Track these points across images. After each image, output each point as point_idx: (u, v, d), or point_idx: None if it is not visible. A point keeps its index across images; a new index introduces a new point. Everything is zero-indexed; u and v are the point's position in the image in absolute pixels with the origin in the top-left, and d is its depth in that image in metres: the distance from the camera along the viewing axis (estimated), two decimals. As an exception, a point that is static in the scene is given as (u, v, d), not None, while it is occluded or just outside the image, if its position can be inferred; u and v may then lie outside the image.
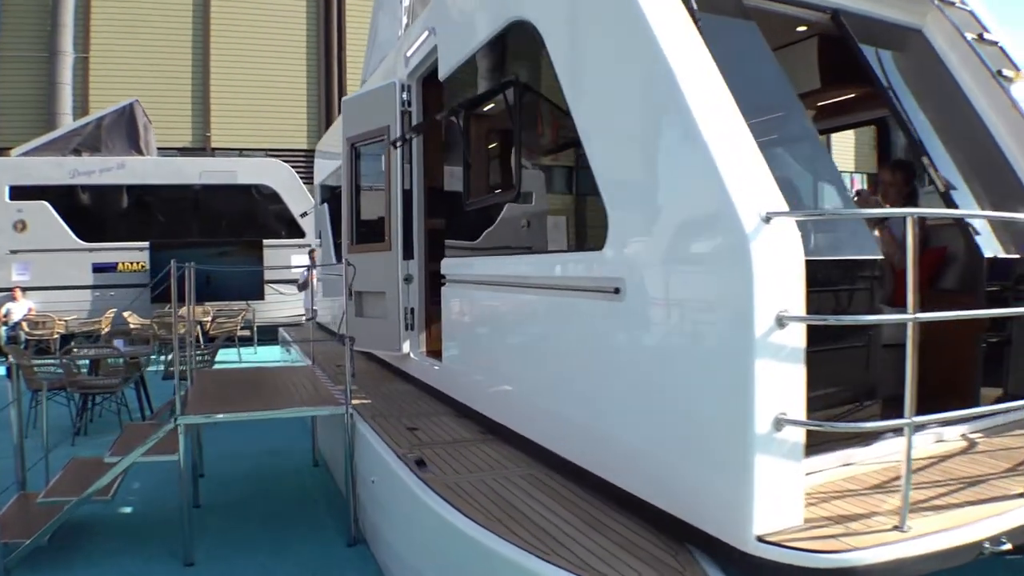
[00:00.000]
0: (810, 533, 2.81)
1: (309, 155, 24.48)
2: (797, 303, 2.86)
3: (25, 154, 16.05)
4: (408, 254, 6.82)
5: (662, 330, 3.27)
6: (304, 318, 13.21)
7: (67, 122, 19.74)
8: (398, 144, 6.22)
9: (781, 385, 2.82)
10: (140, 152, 16.28)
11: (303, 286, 14.13)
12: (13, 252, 15.32)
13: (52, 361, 8.72)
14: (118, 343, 9.30)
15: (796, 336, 2.85)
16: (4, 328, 14.43)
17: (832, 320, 3.18)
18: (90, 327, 14.56)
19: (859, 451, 3.48)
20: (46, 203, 15.60)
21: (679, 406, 3.12)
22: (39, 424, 7.86)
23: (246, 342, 15.20)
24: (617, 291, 3.48)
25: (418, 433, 5.05)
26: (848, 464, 3.44)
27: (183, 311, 6.65)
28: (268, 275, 16.12)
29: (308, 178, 17.00)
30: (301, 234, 16.66)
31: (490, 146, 5.34)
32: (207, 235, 16.37)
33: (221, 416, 5.21)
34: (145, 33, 22.62)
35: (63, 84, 20.98)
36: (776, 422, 2.79)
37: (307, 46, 25.73)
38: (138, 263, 15.79)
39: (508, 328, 4.71)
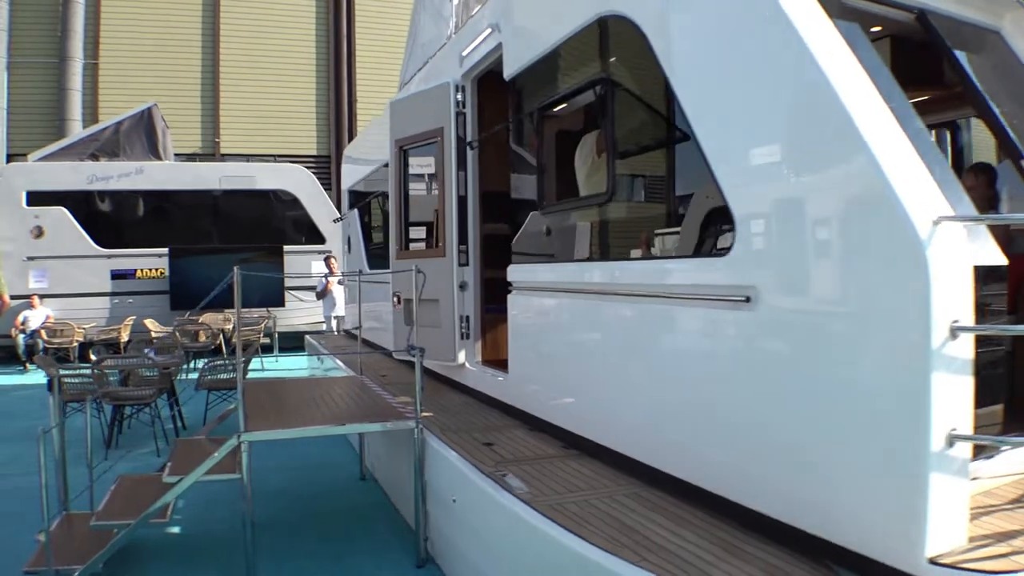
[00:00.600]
0: (977, 554, 2.63)
1: (320, 161, 24.39)
2: (967, 312, 2.65)
3: (42, 159, 15.79)
4: (463, 260, 6.58)
5: (810, 343, 3.02)
6: (334, 327, 12.96)
7: (77, 128, 19.53)
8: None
9: (953, 399, 2.63)
10: (158, 157, 16.04)
11: (321, 294, 13.89)
12: (30, 259, 15.04)
13: (85, 370, 8.44)
14: (149, 352, 9.03)
15: (966, 347, 2.65)
16: (22, 336, 14.15)
17: (1012, 331, 2.98)
18: (108, 335, 14.28)
19: (984, 464, 3.25)
20: (64, 209, 15.31)
21: (831, 424, 2.88)
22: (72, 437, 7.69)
23: (266, 351, 14.93)
24: (748, 299, 3.26)
25: (496, 449, 4.80)
26: (975, 478, 3.20)
27: (234, 319, 6.34)
28: (288, 282, 15.86)
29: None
30: (322, 240, 16.41)
31: (576, 146, 5.09)
32: (227, 241, 16.09)
33: (288, 432, 4.96)
34: (154, 39, 22.46)
35: (73, 90, 20.77)
36: (948, 438, 2.59)
37: (316, 52, 25.62)
38: (157, 270, 15.51)
39: (602, 339, 4.43)
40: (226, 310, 14.93)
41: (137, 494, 5.14)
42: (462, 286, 6.58)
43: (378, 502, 6.42)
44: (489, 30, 5.88)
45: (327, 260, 13.73)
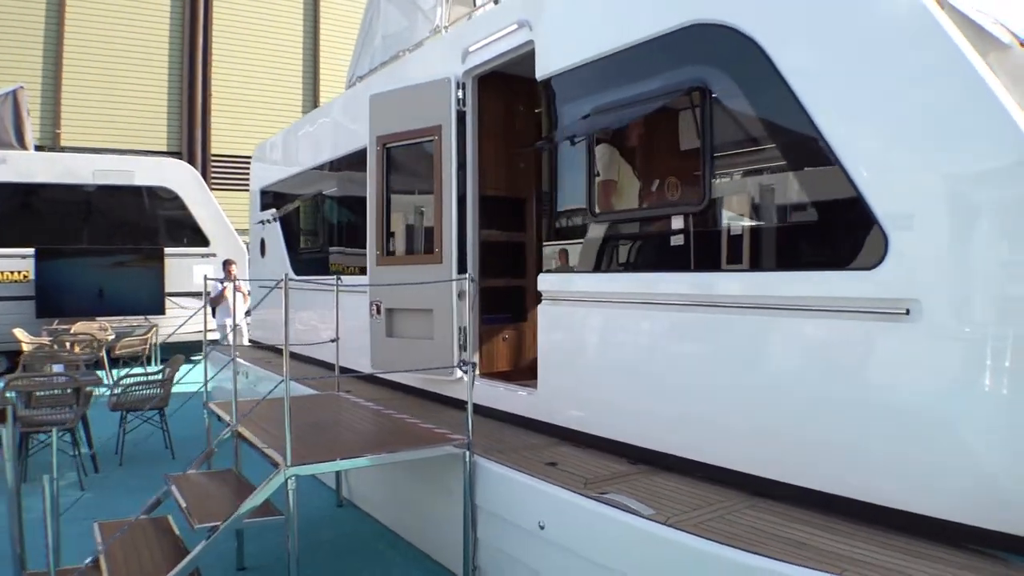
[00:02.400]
0: None
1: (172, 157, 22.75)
2: None
3: None
4: (462, 268, 6.21)
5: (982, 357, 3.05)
6: (228, 337, 11.87)
7: None
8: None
9: None
10: (24, 146, 14.10)
11: (216, 300, 12.78)
12: None
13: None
14: (58, 369, 7.87)
15: None
16: None
17: None
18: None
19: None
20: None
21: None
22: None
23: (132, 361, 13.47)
24: (908, 312, 3.22)
25: (562, 468, 4.51)
26: None
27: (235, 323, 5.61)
28: (168, 287, 14.45)
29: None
30: (205, 242, 15.10)
31: (649, 152, 4.90)
32: (100, 242, 14.41)
33: (339, 464, 4.41)
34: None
35: None
36: None
37: (170, 43, 24.07)
38: (20, 272, 13.57)
39: (704, 352, 4.24)
40: (99, 318, 13.40)
41: (138, 545, 4.37)
42: (461, 295, 6.21)
43: (375, 531, 5.89)
44: (515, 27, 5.58)
45: (226, 265, 12.62)
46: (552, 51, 5.26)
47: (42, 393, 7.75)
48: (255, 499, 4.07)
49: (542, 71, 5.34)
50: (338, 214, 8.84)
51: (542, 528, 4.15)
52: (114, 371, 12.05)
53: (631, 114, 4.76)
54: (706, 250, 4.27)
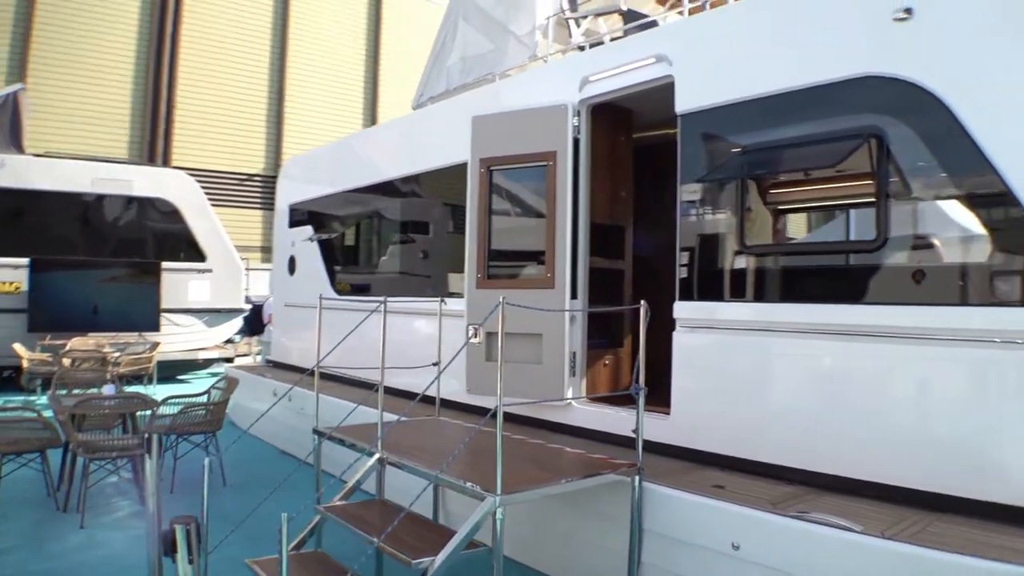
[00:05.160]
0: None
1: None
2: None
3: None
4: (573, 293, 6.29)
5: None
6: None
7: None
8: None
9: None
10: (21, 150, 13.38)
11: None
12: None
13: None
14: (108, 390, 7.51)
15: None
16: None
17: None
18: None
19: None
20: None
21: None
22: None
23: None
24: None
25: (731, 490, 4.63)
26: None
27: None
28: (164, 303, 13.92)
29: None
30: (202, 257, 14.62)
31: (804, 190, 5.10)
32: (94, 253, 13.75)
33: (547, 490, 4.40)
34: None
35: None
36: None
37: (137, 51, 23.48)
38: (12, 283, 12.82)
39: (875, 380, 4.48)
40: (92, 334, 12.80)
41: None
42: (571, 320, 6.28)
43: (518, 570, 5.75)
44: (653, 60, 5.73)
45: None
46: (689, 88, 5.44)
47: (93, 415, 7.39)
48: (467, 530, 4.01)
49: (682, 106, 5.50)
50: (402, 234, 8.75)
51: (736, 548, 4.25)
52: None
53: (794, 154, 4.97)
54: (882, 284, 4.52)
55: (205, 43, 24.96)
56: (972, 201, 4.20)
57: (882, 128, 4.48)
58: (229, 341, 15.88)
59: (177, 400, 7.47)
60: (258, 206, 27.80)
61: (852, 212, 4.87)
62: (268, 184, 27.99)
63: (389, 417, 6.50)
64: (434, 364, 6.61)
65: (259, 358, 14.34)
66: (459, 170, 7.28)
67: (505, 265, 6.85)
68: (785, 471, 4.85)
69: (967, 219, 4.25)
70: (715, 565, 4.40)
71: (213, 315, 14.67)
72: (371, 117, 30.96)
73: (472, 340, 6.77)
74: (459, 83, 8.01)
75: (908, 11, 4.31)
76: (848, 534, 3.84)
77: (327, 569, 4.53)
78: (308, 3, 28.46)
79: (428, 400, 7.19)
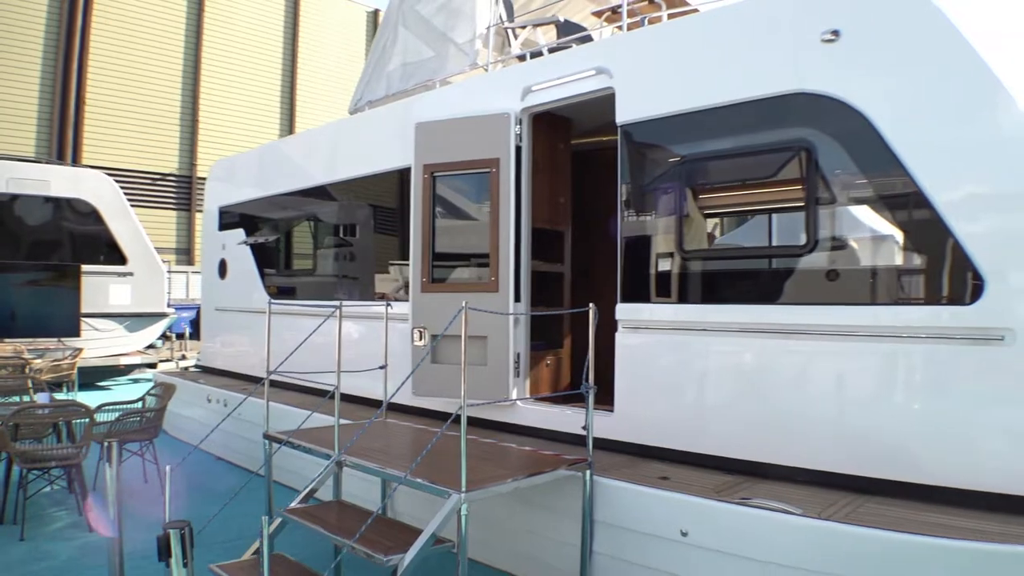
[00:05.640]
0: None
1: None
2: None
3: None
4: (516, 297, 6.49)
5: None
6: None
7: None
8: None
9: None
10: None
11: None
12: None
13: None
14: (43, 398, 7.31)
15: None
16: None
17: None
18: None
19: None
20: None
21: None
22: None
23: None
24: (1002, 338, 4.11)
25: (676, 481, 4.93)
26: None
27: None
28: (84, 308, 13.45)
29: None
30: (123, 260, 14.18)
31: (746, 198, 5.42)
32: (9, 256, 13.16)
33: (508, 486, 4.57)
34: None
35: None
36: None
37: (44, 47, 22.54)
38: None
39: (804, 374, 4.86)
40: (9, 340, 12.28)
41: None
42: (515, 322, 6.49)
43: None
44: (593, 72, 5.98)
45: None
46: (629, 100, 5.72)
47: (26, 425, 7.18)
48: (434, 527, 4.15)
49: (623, 117, 5.78)
50: (345, 237, 8.76)
51: (684, 535, 4.55)
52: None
53: (730, 165, 5.30)
54: (808, 285, 4.90)
55: (117, 38, 24.16)
56: (890, 205, 4.60)
57: (811, 141, 4.85)
58: (151, 346, 15.48)
59: (114, 407, 7.33)
60: (172, 206, 27.05)
61: (782, 217, 5.21)
62: (183, 184, 27.26)
63: (330, 420, 6.57)
64: (382, 367, 6.72)
65: (181, 363, 14.05)
66: (398, 175, 7.42)
67: (449, 269, 7.00)
68: (725, 461, 5.19)
69: (887, 223, 4.65)
70: (665, 551, 4.68)
71: (135, 319, 14.30)
72: (288, 117, 30.52)
73: (416, 343, 6.94)
74: (399, 88, 8.10)
75: (835, 33, 4.69)
76: (789, 516, 4.19)
77: (292, 570, 4.60)
78: (224, 1, 27.86)
79: (371, 403, 7.30)
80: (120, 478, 3.94)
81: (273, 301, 7.05)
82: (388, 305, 6.87)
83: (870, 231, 4.72)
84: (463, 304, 4.37)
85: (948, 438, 4.33)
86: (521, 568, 5.56)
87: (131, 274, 14.04)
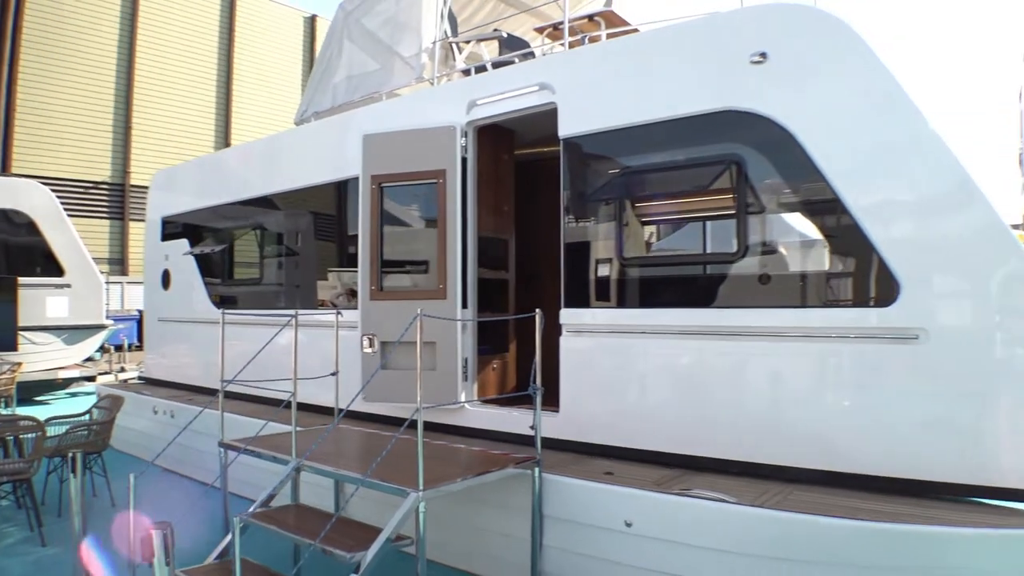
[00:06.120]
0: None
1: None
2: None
3: None
4: (463, 303, 6.73)
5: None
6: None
7: None
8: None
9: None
10: None
11: None
12: None
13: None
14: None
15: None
16: None
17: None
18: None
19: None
20: None
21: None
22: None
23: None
24: (916, 337, 4.53)
25: (619, 475, 5.24)
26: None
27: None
28: (21, 321, 13.16)
29: None
30: (60, 272, 13.91)
31: (681, 208, 5.74)
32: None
33: (464, 483, 4.79)
34: None
35: None
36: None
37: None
38: None
39: (734, 374, 5.22)
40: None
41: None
42: (463, 328, 6.72)
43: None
44: (536, 88, 6.26)
45: None
46: (571, 115, 6.02)
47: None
48: (394, 524, 4.35)
49: (566, 131, 6.07)
50: (288, 247, 8.85)
51: (629, 525, 4.85)
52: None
53: (666, 177, 5.64)
54: (741, 289, 5.25)
55: (48, 43, 23.54)
56: (814, 213, 4.99)
57: (740, 155, 5.21)
58: (89, 359, 15.21)
59: (62, 420, 7.30)
60: (105, 215, 26.46)
61: (715, 225, 5.55)
62: (115, 192, 26.70)
63: (282, 428, 6.68)
64: (333, 374, 6.87)
65: (120, 375, 13.87)
66: (335, 187, 7.60)
67: (398, 277, 7.18)
68: (664, 456, 5.51)
69: (811, 230, 5.04)
70: (611, 542, 4.97)
71: (73, 332, 14.04)
72: (224, 122, 30.14)
73: (366, 350, 7.11)
74: (345, 100, 8.25)
75: (763, 55, 5.05)
76: (726, 505, 4.54)
77: (257, 573, 4.72)
78: (158, 7, 27.41)
79: (319, 410, 7.43)
80: (84, 490, 4.01)
81: (237, 312, 7.19)
82: (338, 313, 7.01)
83: (797, 237, 5.10)
84: (418, 311, 4.58)
85: (868, 430, 4.73)
86: (475, 564, 5.78)
87: (69, 286, 13.80)
